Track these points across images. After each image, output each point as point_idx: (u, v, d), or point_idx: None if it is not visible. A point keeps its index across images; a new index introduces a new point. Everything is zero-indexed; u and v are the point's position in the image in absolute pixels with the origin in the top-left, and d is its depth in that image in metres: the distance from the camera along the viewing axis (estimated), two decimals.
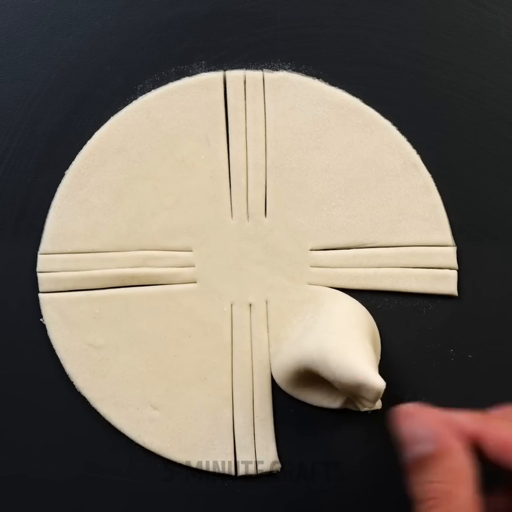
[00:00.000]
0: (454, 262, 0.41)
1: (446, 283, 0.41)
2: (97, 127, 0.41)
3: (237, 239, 0.41)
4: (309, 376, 0.38)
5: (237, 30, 0.42)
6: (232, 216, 0.41)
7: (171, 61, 0.42)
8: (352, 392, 0.36)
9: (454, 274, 0.41)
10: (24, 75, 0.42)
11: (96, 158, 0.41)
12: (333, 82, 0.41)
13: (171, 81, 0.41)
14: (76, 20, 0.42)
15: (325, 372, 0.36)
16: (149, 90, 0.41)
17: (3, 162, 0.42)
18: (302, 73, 0.41)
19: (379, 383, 0.34)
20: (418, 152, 0.41)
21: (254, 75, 0.41)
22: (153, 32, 0.42)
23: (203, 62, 0.42)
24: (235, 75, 0.41)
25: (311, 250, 0.41)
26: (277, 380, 0.41)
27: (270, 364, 0.41)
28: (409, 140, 0.41)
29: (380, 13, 0.42)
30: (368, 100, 0.41)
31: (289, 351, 0.39)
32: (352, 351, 0.35)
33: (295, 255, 0.41)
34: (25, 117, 0.42)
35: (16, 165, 0.42)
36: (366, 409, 0.38)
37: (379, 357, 0.40)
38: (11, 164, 0.42)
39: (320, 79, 0.41)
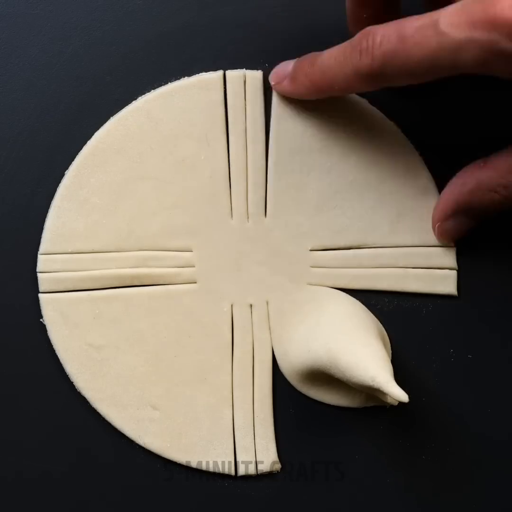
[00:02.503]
0: (454, 262, 0.41)
1: (446, 283, 0.41)
2: (97, 127, 0.41)
3: (237, 239, 0.41)
4: (325, 376, 0.38)
5: (237, 35, 0.41)
6: (232, 216, 0.41)
7: (170, 72, 0.41)
8: (369, 390, 0.36)
9: (454, 274, 0.41)
10: (23, 85, 0.41)
11: (96, 158, 0.41)
12: None
13: (171, 81, 0.41)
14: (75, 30, 0.41)
15: (337, 374, 0.36)
16: (149, 90, 0.41)
17: (4, 163, 0.42)
18: None
19: (385, 381, 0.34)
20: (418, 152, 0.41)
21: (254, 75, 0.41)
22: (153, 43, 0.41)
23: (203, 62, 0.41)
24: (235, 75, 0.41)
25: (311, 250, 0.41)
26: (292, 382, 0.40)
27: (271, 365, 0.41)
28: (409, 140, 0.41)
29: None
30: (372, 101, 0.41)
31: (298, 355, 0.39)
32: (359, 351, 0.35)
33: (295, 255, 0.41)
34: (25, 126, 0.42)
35: (16, 165, 0.42)
36: (391, 402, 0.36)
37: (390, 351, 0.40)
38: (11, 164, 0.42)
39: None
